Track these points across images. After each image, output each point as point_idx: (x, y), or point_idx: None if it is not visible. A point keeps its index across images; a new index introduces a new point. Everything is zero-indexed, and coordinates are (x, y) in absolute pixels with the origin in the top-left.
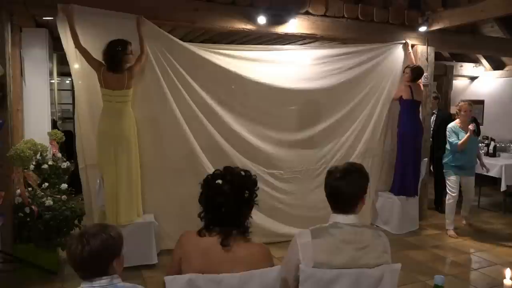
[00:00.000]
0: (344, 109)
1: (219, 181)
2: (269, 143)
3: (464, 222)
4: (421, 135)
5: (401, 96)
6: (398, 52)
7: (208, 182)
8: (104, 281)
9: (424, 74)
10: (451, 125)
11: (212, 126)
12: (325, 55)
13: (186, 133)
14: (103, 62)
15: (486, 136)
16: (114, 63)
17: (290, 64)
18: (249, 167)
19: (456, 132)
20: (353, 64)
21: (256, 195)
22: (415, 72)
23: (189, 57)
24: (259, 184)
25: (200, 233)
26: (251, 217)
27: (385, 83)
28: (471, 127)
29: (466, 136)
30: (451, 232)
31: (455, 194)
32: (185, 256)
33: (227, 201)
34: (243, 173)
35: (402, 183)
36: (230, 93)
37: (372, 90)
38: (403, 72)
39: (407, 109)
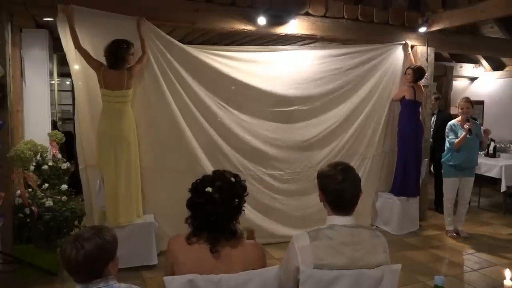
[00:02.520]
0: (344, 109)
1: (209, 189)
2: (269, 144)
3: (462, 234)
4: (421, 135)
5: (403, 97)
6: (398, 53)
7: (197, 188)
8: (100, 284)
9: (424, 76)
10: (451, 122)
11: (211, 127)
12: (324, 56)
13: (186, 134)
14: (103, 62)
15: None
16: (116, 60)
17: (289, 65)
18: (249, 168)
19: (454, 130)
20: (353, 65)
21: (245, 201)
22: (418, 73)
23: (188, 59)
24: (259, 186)
25: (188, 240)
26: (238, 223)
27: (385, 84)
28: (466, 126)
29: (462, 135)
30: (451, 233)
31: (451, 197)
32: (177, 264)
33: (217, 209)
34: (233, 179)
35: (403, 184)
36: (230, 94)
37: (372, 91)
38: (405, 73)
39: (408, 109)
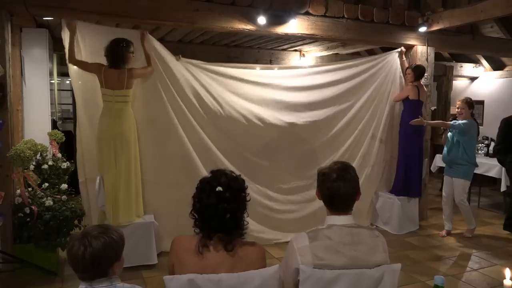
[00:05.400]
0: (342, 120)
1: (220, 188)
2: (267, 158)
3: (465, 234)
4: (423, 135)
5: (406, 97)
6: (394, 60)
7: (205, 190)
8: (104, 283)
9: (424, 74)
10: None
11: (212, 143)
12: (320, 70)
13: (184, 138)
14: (103, 63)
15: (486, 137)
16: (117, 59)
17: (286, 78)
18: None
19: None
20: (349, 76)
21: (248, 193)
22: (417, 71)
23: (190, 74)
24: (261, 198)
25: (199, 250)
26: (248, 215)
27: (381, 94)
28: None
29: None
30: (442, 233)
31: (444, 195)
32: (179, 265)
33: (230, 206)
34: (234, 174)
35: (406, 184)
36: (231, 110)
37: (370, 99)
38: (405, 73)
39: (412, 109)
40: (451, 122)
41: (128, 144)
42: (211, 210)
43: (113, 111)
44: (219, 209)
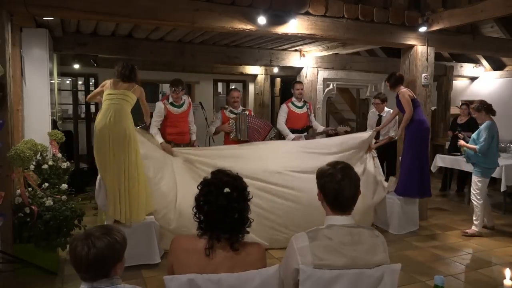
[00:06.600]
0: None
1: (227, 189)
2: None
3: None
4: (429, 134)
5: (413, 100)
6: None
7: (214, 192)
8: (105, 283)
9: (424, 74)
10: None
11: None
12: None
13: None
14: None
15: None
16: (131, 74)
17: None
18: None
19: None
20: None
21: (249, 192)
22: (391, 80)
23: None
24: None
25: (208, 252)
26: (250, 212)
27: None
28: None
29: None
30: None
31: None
32: (178, 262)
33: (240, 206)
34: (235, 173)
35: (422, 185)
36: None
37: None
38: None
39: (416, 108)
40: (477, 148)
41: (124, 144)
42: (221, 211)
43: (111, 108)
44: (229, 209)
